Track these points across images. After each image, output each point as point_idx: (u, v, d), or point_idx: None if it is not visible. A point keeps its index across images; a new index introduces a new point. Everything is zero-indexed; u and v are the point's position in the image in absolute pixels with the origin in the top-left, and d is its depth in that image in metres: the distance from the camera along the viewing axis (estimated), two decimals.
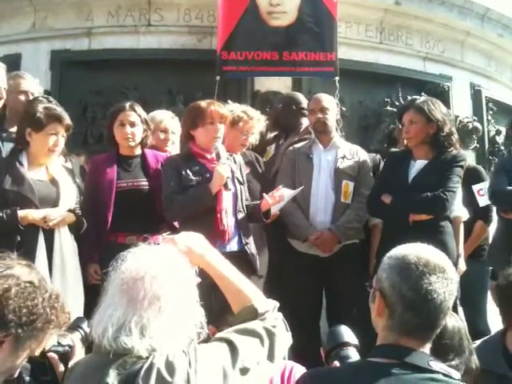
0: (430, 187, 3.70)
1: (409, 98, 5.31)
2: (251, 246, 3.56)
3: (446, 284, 1.63)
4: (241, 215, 3.55)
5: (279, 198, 3.53)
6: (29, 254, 3.05)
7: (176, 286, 1.63)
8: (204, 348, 1.62)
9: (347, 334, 2.09)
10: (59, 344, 1.83)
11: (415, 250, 1.68)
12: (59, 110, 3.40)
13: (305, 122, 4.54)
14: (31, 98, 3.95)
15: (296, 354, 2.63)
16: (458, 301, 3.99)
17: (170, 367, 1.53)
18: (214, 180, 3.40)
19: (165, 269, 1.64)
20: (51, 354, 1.79)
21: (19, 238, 3.12)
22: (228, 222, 3.43)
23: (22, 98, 3.96)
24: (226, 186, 3.40)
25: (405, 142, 3.95)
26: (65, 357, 1.82)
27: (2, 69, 3.62)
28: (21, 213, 3.17)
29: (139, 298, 1.58)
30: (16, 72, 4.22)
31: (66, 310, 1.68)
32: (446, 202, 3.66)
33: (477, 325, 4.20)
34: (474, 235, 4.50)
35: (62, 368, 1.81)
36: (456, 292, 1.69)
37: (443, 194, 3.66)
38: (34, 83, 4.12)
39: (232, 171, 3.57)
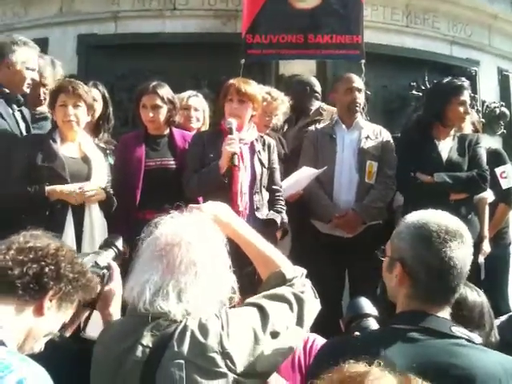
0: (462, 167, 3.88)
1: (435, 82, 5.30)
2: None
3: (465, 249, 1.65)
4: (257, 196, 3.55)
5: None
6: (57, 230, 3.12)
7: (210, 251, 1.68)
8: (235, 312, 1.66)
9: (367, 305, 2.12)
10: (97, 265, 1.83)
11: (433, 218, 1.68)
12: (67, 82, 3.44)
13: (315, 104, 4.59)
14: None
15: (318, 331, 2.66)
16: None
17: (204, 329, 1.58)
18: (222, 157, 3.41)
19: (199, 235, 1.69)
20: None
21: (48, 213, 3.18)
22: (243, 203, 3.44)
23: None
24: (232, 162, 3.38)
25: (465, 121, 4.03)
26: (102, 279, 1.82)
27: (37, 51, 3.66)
28: (49, 188, 3.23)
29: (176, 264, 1.63)
30: (53, 60, 4.20)
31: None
32: (487, 181, 3.90)
33: (499, 306, 4.17)
34: (497, 218, 4.49)
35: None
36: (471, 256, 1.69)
37: (485, 173, 3.87)
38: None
39: (255, 151, 3.58)
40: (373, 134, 4.15)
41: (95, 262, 1.83)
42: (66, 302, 1.59)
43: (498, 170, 4.41)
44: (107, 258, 1.91)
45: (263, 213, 3.57)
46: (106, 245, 1.99)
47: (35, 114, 3.91)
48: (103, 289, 1.82)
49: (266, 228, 3.52)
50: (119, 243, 2.00)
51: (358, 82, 4.24)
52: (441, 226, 1.65)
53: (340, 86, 4.24)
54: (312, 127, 4.31)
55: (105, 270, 1.85)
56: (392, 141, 4.21)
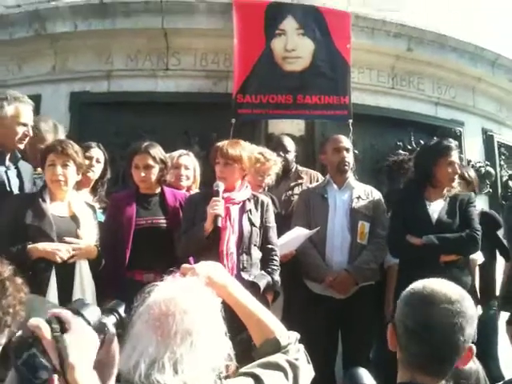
0: (453, 228, 3.80)
1: (421, 142, 5.40)
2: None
3: (452, 316, 1.56)
4: (244, 256, 3.51)
5: None
6: (40, 291, 3.04)
7: (206, 319, 1.63)
8: (231, 383, 1.62)
9: (366, 376, 2.09)
10: (102, 323, 1.77)
11: (427, 282, 1.64)
12: (56, 142, 3.48)
13: (293, 166, 4.71)
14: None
15: None
16: None
17: None
18: (207, 219, 3.43)
19: (194, 302, 1.64)
20: None
21: (31, 273, 3.08)
22: (229, 263, 3.42)
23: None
24: (215, 223, 3.40)
25: (455, 181, 3.98)
26: (104, 338, 1.72)
27: (30, 106, 3.69)
28: (31, 245, 3.19)
29: (171, 335, 1.58)
30: (55, 124, 4.23)
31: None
32: (478, 241, 3.79)
33: (490, 370, 4.12)
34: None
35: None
36: (472, 329, 1.61)
37: (475, 233, 3.78)
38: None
39: (245, 211, 3.59)
40: (364, 194, 4.20)
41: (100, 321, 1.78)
42: None
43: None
44: (109, 322, 1.86)
45: (252, 272, 3.51)
46: (109, 311, 1.94)
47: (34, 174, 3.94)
48: (99, 351, 1.77)
49: (251, 289, 3.47)
50: (121, 310, 1.95)
51: (346, 141, 4.32)
52: (426, 288, 1.60)
53: (328, 147, 4.35)
54: (302, 187, 4.36)
55: (107, 330, 1.79)
56: (383, 201, 4.25)
